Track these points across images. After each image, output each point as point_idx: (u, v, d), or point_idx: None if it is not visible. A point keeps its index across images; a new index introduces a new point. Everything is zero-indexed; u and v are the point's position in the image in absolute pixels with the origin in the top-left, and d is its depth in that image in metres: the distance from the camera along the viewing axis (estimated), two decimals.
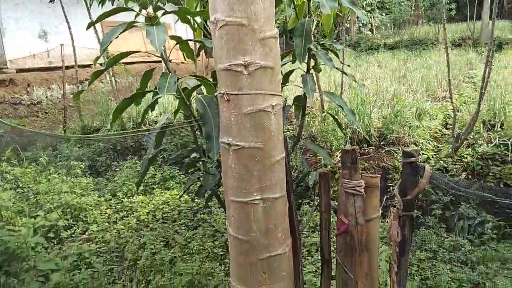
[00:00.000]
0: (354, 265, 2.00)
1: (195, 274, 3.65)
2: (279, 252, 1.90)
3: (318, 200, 2.12)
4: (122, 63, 12.62)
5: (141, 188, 6.38)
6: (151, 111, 3.02)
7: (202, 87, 2.58)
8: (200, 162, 2.90)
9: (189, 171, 4.74)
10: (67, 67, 11.11)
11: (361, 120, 6.62)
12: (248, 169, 1.80)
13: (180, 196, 5.76)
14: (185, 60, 15.19)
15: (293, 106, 3.14)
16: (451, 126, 6.41)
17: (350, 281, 2.17)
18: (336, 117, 3.22)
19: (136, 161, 7.44)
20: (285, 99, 3.08)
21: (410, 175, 1.65)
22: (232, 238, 1.93)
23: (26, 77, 13.08)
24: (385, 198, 5.47)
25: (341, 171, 1.87)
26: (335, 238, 2.16)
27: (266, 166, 1.81)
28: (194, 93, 2.45)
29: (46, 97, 12.77)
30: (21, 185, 6.44)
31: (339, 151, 6.21)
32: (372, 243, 1.99)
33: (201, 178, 2.93)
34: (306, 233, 4.84)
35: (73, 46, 9.89)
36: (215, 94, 1.86)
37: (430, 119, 7.05)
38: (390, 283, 1.82)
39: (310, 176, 3.19)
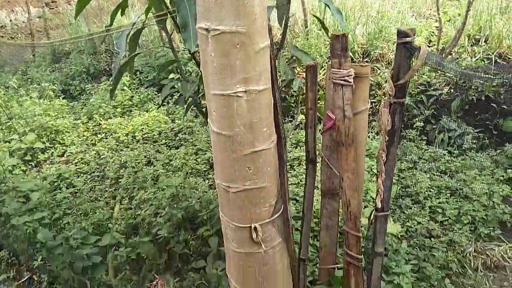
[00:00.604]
0: (340, 161, 1.95)
1: (179, 187, 3.62)
2: (264, 147, 1.82)
3: (304, 95, 2.02)
4: None
5: (118, 110, 6.20)
6: (122, 14, 2.77)
7: None
8: (178, 75, 2.74)
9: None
10: None
11: None
12: (229, 57, 1.65)
13: (158, 107, 5.63)
14: None
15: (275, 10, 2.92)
16: (435, 44, 6.27)
17: (335, 178, 2.15)
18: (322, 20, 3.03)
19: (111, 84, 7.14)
20: None
21: (404, 57, 1.54)
22: (215, 135, 1.84)
23: None
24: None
25: (330, 60, 1.74)
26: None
27: (249, 54, 1.66)
28: None
29: (10, 20, 11.92)
30: None
31: (322, 68, 6.06)
32: (360, 137, 1.93)
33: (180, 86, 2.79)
34: (288, 149, 4.83)
35: None
36: None
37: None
38: (378, 174, 1.79)
39: (294, 83, 3.07)
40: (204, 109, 2.91)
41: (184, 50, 6.70)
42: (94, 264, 3.46)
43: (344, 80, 1.75)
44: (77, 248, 3.45)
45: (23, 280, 3.86)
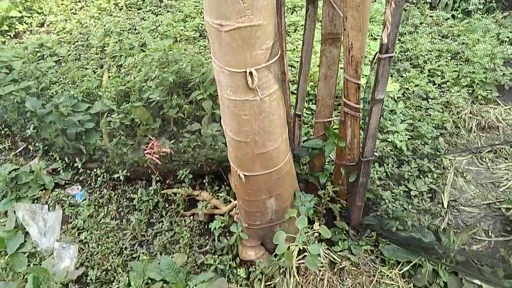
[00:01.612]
0: None
1: (168, 52, 3.42)
2: None
3: None
4: None
5: None
6: None
7: None
8: None
9: None
10: None
11: None
12: None
13: None
14: None
15: None
16: None
17: (338, 19, 1.97)
18: None
19: None
20: None
21: None
22: None
23: None
24: None
25: None
26: None
27: None
28: None
29: None
30: None
31: None
32: None
33: None
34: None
35: None
36: None
37: None
38: (385, 23, 1.61)
39: None
40: None
41: None
42: (87, 130, 3.42)
43: None
44: (68, 116, 3.38)
45: (19, 150, 3.87)
